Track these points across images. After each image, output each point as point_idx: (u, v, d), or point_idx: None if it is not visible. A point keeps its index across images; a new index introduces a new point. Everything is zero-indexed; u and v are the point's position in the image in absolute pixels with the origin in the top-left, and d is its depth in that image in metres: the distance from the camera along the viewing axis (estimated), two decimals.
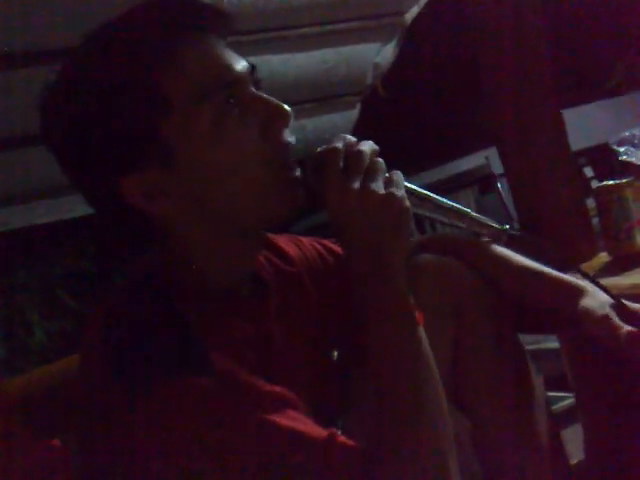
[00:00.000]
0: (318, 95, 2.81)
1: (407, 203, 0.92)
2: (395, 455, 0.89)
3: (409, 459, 0.89)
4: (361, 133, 1.00)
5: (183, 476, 0.85)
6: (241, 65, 0.95)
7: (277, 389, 0.90)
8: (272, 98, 0.95)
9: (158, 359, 0.87)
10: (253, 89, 0.95)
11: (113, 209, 0.95)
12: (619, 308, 1.13)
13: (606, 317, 1.12)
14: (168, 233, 0.96)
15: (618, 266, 1.49)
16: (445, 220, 1.02)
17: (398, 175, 0.94)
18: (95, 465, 0.93)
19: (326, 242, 1.22)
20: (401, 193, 0.92)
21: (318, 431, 0.88)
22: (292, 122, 0.95)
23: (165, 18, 0.93)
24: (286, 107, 0.94)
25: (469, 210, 1.04)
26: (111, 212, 0.97)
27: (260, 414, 0.86)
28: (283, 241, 1.17)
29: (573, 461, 1.39)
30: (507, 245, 1.20)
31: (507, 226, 1.06)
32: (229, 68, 0.93)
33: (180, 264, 0.97)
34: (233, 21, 0.97)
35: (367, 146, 0.94)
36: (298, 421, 0.88)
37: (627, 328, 1.09)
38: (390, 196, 0.91)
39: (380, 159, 0.94)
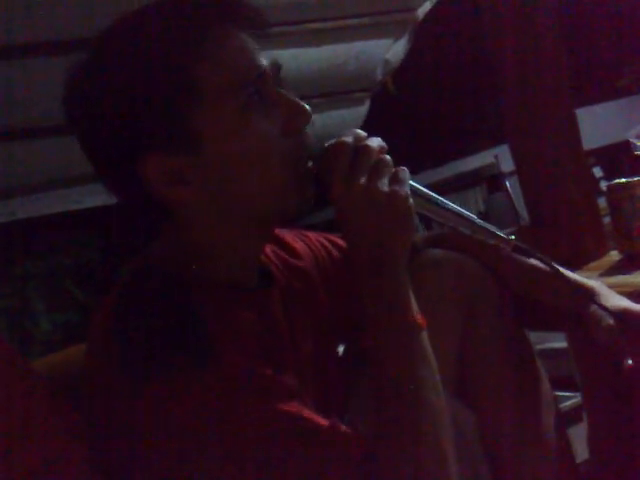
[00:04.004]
0: (327, 90, 2.81)
1: (410, 201, 0.94)
2: (395, 455, 0.89)
3: (410, 459, 0.90)
4: (370, 130, 1.00)
5: (187, 462, 0.86)
6: (268, 62, 0.97)
7: (280, 379, 0.90)
8: (295, 97, 0.97)
9: (166, 348, 0.88)
10: (277, 87, 0.97)
11: (133, 193, 0.97)
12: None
13: (612, 328, 1.11)
14: (182, 221, 0.97)
15: (629, 264, 1.48)
16: (450, 224, 1.02)
17: (404, 173, 0.95)
18: (99, 453, 0.93)
19: (333, 237, 1.23)
20: (405, 191, 0.93)
21: (320, 420, 0.89)
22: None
23: (200, 10, 0.94)
24: (307, 107, 0.96)
25: (475, 217, 1.03)
26: (130, 197, 0.98)
27: (264, 402, 0.87)
28: (290, 236, 1.18)
29: (578, 460, 1.38)
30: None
31: (513, 237, 1.05)
32: (258, 64, 0.95)
33: (190, 254, 0.98)
34: (264, 17, 0.98)
35: (375, 142, 0.95)
36: (301, 410, 0.88)
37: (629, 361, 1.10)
38: (393, 193, 0.92)
39: (387, 156, 0.95)
